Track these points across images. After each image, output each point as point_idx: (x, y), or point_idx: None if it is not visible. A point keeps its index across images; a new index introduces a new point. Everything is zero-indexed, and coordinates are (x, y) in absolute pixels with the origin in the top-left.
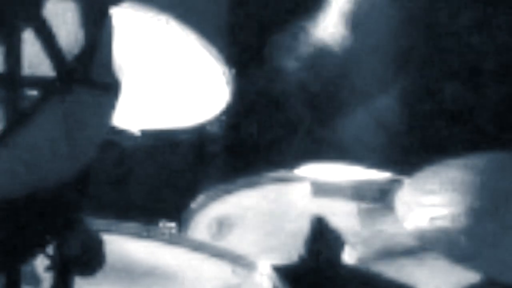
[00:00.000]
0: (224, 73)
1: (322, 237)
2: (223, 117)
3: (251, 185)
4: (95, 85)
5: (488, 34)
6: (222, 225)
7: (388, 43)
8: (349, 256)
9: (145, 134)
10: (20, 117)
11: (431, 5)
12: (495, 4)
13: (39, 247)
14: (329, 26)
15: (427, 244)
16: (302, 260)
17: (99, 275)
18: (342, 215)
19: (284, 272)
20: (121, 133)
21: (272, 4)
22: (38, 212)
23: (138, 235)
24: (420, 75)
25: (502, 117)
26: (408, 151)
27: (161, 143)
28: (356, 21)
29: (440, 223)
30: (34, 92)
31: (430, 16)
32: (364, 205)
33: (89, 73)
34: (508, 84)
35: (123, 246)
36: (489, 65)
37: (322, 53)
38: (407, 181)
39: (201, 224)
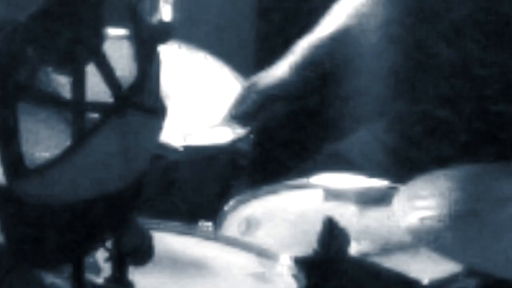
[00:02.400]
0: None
1: (332, 234)
2: (251, 136)
3: (273, 191)
4: (146, 109)
5: (468, 68)
6: (250, 224)
7: (387, 75)
8: (354, 250)
9: (187, 149)
10: (84, 136)
11: (423, 43)
12: (477, 43)
13: (100, 242)
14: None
15: (418, 240)
16: (316, 253)
17: (149, 265)
18: (349, 216)
19: (301, 263)
20: (167, 148)
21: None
22: (99, 213)
23: (181, 233)
24: (412, 102)
25: (480, 137)
26: (403, 164)
27: (200, 157)
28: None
29: (429, 223)
30: (95, 115)
31: (421, 53)
32: (366, 208)
33: (141, 99)
34: (484, 110)
35: (168, 241)
36: (469, 93)
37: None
38: (402, 188)
39: (233, 224)
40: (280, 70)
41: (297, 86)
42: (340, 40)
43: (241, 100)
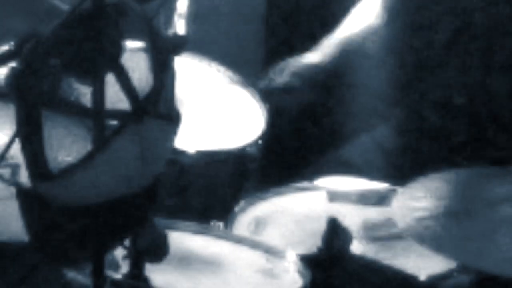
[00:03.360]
0: (260, 107)
1: (335, 233)
2: (260, 141)
3: (281, 193)
4: (161, 116)
5: (462, 77)
6: (259, 224)
7: (386, 85)
8: (355, 248)
9: (200, 154)
10: (104, 142)
11: (420, 54)
12: (471, 54)
13: (119, 240)
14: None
15: (416, 238)
16: (320, 251)
17: (164, 262)
18: (351, 216)
19: (306, 260)
20: (181, 153)
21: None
22: (118, 214)
23: (194, 232)
24: (410, 109)
25: (472, 141)
26: (401, 167)
27: (212, 161)
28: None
29: (426, 222)
30: (114, 122)
31: (418, 63)
32: (367, 208)
33: (157, 107)
34: (477, 117)
35: (182, 240)
36: (462, 100)
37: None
38: (400, 190)
39: (243, 223)
40: (311, 60)
41: (324, 78)
42: (348, 50)
43: (274, 76)
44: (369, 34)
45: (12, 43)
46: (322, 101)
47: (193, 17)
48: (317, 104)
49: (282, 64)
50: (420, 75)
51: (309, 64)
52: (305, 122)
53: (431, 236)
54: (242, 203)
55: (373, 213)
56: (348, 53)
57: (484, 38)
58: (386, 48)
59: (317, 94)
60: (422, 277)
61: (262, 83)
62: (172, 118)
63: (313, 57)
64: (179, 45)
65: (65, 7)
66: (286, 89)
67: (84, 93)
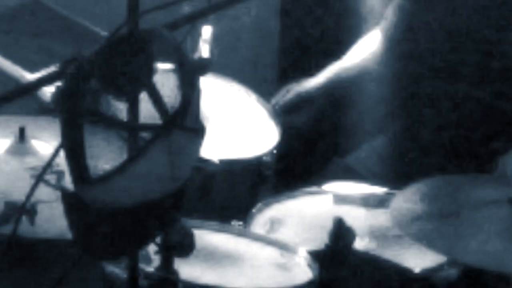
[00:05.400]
0: (274, 121)
1: (340, 232)
2: (274, 151)
3: (293, 196)
4: (188, 129)
5: (454, 99)
6: (274, 224)
7: (385, 102)
8: (358, 245)
9: (222, 162)
10: (138, 151)
11: (415, 77)
12: (463, 79)
13: (150, 237)
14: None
15: (411, 235)
16: (327, 247)
17: (191, 257)
18: (354, 217)
19: (315, 255)
20: (205, 161)
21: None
22: (150, 214)
23: (217, 230)
24: (405, 124)
25: (461, 153)
26: (399, 174)
27: (233, 168)
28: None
29: (420, 222)
30: (147, 135)
31: (414, 85)
32: (369, 210)
33: (184, 121)
34: (466, 132)
35: (207, 237)
36: (453, 118)
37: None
38: (398, 194)
39: (259, 223)
40: (313, 83)
41: (323, 99)
42: (357, 73)
43: (281, 97)
44: (371, 60)
45: (57, 65)
46: (322, 117)
47: (216, 42)
48: (323, 120)
49: (287, 86)
50: (415, 95)
51: (311, 86)
52: (312, 134)
53: (424, 234)
54: (259, 205)
55: (374, 214)
56: (349, 77)
57: (475, 63)
58: (386, 73)
59: (317, 112)
60: (417, 270)
61: (271, 104)
62: (197, 131)
63: (316, 80)
64: (203, 66)
65: (104, 33)
66: (288, 108)
67: (121, 109)
